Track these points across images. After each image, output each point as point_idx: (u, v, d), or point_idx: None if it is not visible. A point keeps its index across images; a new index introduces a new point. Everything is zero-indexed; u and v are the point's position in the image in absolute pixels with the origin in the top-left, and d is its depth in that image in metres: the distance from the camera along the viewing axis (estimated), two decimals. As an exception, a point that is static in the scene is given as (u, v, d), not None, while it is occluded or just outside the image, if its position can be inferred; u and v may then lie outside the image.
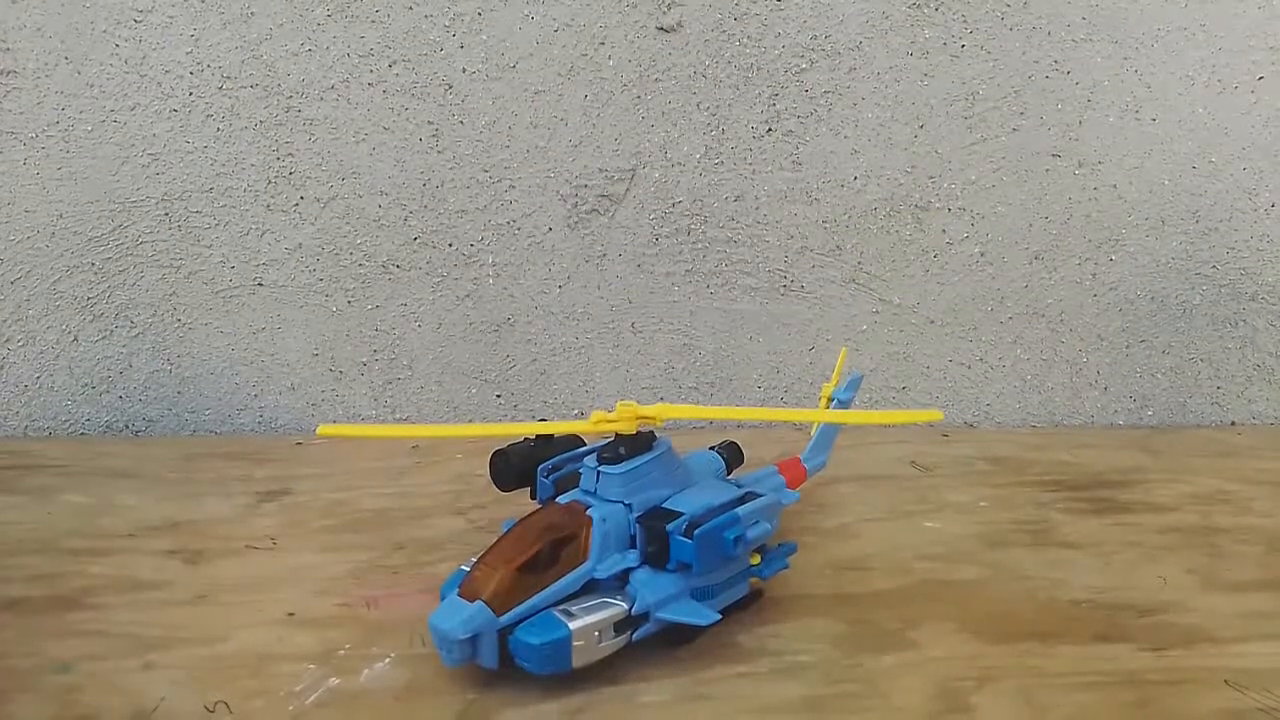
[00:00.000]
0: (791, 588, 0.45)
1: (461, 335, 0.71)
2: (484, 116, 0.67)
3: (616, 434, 0.41)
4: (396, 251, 0.69)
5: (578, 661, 0.36)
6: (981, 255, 0.71)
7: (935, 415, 0.44)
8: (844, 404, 0.52)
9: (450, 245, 0.69)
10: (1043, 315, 0.72)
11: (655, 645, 0.39)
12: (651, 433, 0.42)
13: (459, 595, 0.36)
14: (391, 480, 0.59)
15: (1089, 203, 0.70)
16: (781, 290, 0.71)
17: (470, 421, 0.73)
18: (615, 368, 0.72)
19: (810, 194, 0.69)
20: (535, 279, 0.70)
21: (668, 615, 0.38)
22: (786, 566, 0.43)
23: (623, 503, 0.40)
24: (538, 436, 0.44)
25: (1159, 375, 0.73)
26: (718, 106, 0.67)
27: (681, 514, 0.39)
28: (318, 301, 0.70)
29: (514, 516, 0.40)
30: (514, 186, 0.68)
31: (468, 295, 0.70)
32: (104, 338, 0.70)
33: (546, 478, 0.43)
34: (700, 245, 0.70)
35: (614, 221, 0.69)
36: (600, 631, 0.36)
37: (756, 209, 0.69)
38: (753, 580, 0.42)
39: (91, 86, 0.66)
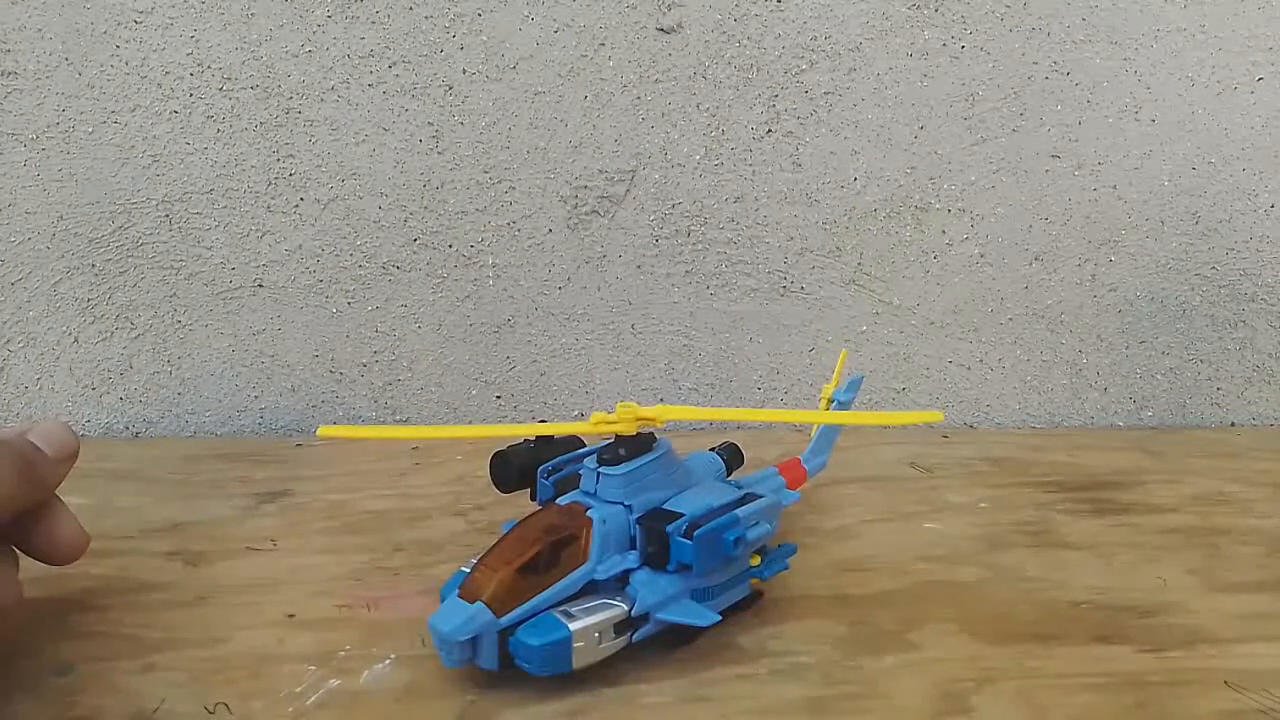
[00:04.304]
0: (791, 589, 0.45)
1: (461, 336, 0.71)
2: (484, 118, 0.67)
3: (616, 435, 0.41)
4: (397, 253, 0.69)
5: (578, 663, 0.36)
6: (981, 256, 0.71)
7: (935, 416, 0.44)
8: (844, 405, 0.52)
9: (450, 246, 0.69)
10: (1042, 316, 0.72)
11: (655, 646, 0.39)
12: (651, 434, 0.42)
13: (459, 596, 0.36)
14: (391, 481, 0.59)
15: (1088, 204, 0.70)
16: (781, 291, 0.71)
17: (470, 423, 0.73)
18: (615, 369, 0.72)
19: (810, 195, 0.69)
20: (535, 280, 0.70)
21: (668, 616, 0.38)
22: (786, 568, 0.43)
23: (623, 504, 0.39)
24: (538, 438, 0.44)
25: (1159, 376, 0.73)
26: (717, 107, 0.67)
27: (681, 515, 0.39)
28: (318, 303, 0.70)
29: (514, 518, 0.40)
30: (514, 188, 0.68)
31: (468, 296, 0.70)
32: (104, 339, 0.70)
33: (546, 479, 0.43)
34: (700, 246, 0.70)
35: (614, 223, 0.69)
36: (600, 633, 0.36)
37: (756, 210, 0.69)
38: (753, 581, 0.42)
39: (92, 88, 0.66)
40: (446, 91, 0.67)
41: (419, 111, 0.67)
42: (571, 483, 0.42)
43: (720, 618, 0.38)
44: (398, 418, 0.73)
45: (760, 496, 0.42)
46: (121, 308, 0.70)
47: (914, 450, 0.65)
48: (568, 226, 0.69)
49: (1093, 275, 0.71)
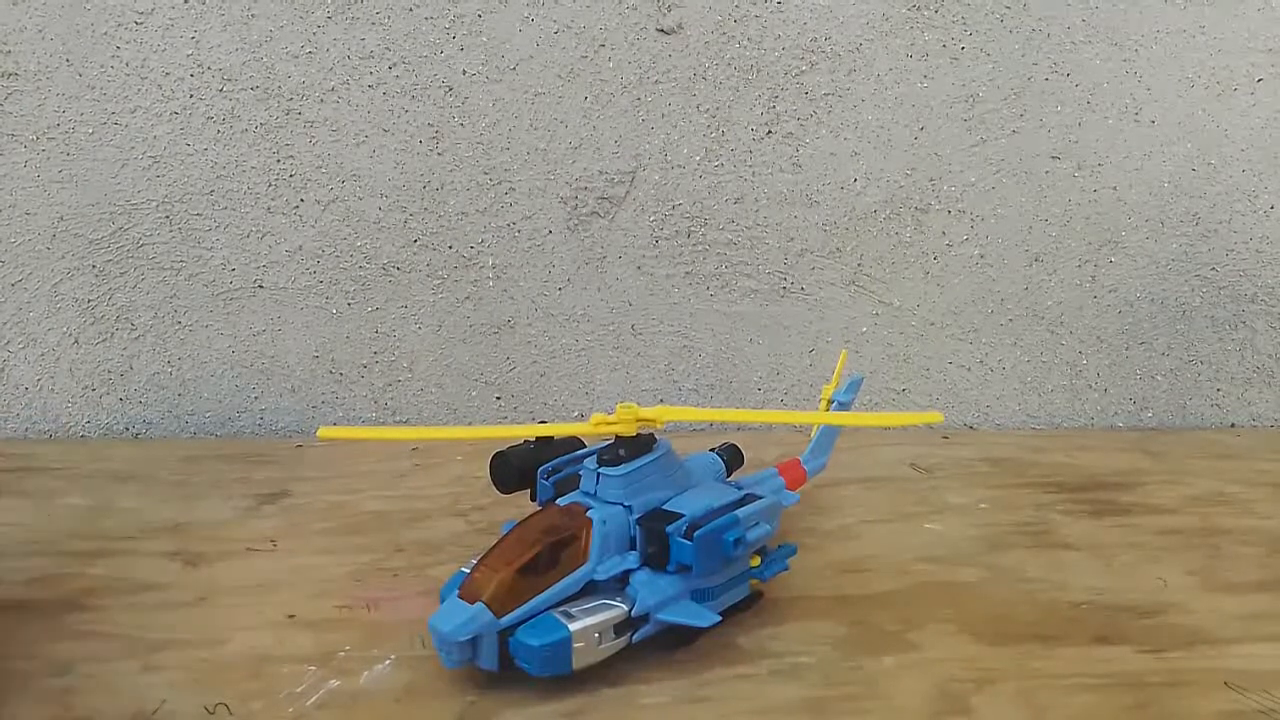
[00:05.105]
0: (791, 589, 0.45)
1: (462, 337, 0.71)
2: (484, 119, 0.67)
3: (616, 436, 0.41)
4: (397, 254, 0.69)
5: (578, 663, 0.36)
6: (981, 257, 0.71)
7: (935, 417, 0.44)
8: (844, 406, 0.52)
9: (450, 247, 0.69)
10: (1042, 317, 0.72)
11: (655, 647, 0.39)
12: (651, 435, 0.42)
13: (459, 597, 0.36)
14: (391, 482, 0.59)
15: (1088, 205, 0.70)
16: (781, 292, 0.71)
17: (470, 423, 0.73)
18: (615, 370, 0.72)
19: (810, 196, 0.69)
20: (535, 281, 0.70)
21: (668, 617, 0.38)
22: (786, 568, 0.43)
23: (623, 504, 0.40)
24: (538, 438, 0.45)
25: (1158, 377, 0.73)
26: (718, 108, 0.67)
27: (681, 516, 0.39)
28: (318, 304, 0.70)
29: (514, 518, 0.40)
30: (514, 189, 0.68)
31: (468, 297, 0.70)
32: (104, 340, 0.70)
33: (546, 480, 0.43)
34: (700, 247, 0.70)
35: (614, 224, 0.69)
36: (600, 633, 0.36)
37: (756, 211, 0.69)
38: (753, 582, 0.42)
39: (92, 89, 0.66)
40: (447, 93, 0.67)
41: (419, 113, 0.67)
42: (571, 483, 0.42)
43: (720, 618, 0.38)
44: (398, 419, 0.73)
45: (760, 497, 0.42)
46: (122, 309, 0.70)
47: (914, 451, 0.65)
48: (568, 227, 0.69)
49: (1093, 276, 0.71)
